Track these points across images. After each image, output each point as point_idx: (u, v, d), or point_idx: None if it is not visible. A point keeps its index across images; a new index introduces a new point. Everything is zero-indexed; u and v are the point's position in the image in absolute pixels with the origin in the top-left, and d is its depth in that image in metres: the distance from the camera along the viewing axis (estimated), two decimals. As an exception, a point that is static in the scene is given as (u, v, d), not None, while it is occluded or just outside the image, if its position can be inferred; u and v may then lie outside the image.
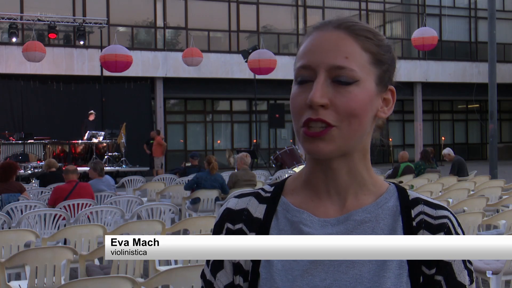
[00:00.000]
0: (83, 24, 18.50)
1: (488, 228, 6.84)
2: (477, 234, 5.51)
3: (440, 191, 8.60)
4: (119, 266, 4.17)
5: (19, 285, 4.28)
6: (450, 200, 7.45)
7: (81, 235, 4.93)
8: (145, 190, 10.43)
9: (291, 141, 22.46)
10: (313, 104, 0.98)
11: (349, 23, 1.04)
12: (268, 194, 1.11)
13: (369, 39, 1.03)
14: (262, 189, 1.13)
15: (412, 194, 1.07)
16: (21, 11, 18.63)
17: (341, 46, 1.01)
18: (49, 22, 18.06)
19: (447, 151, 11.31)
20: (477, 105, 26.02)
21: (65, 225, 5.96)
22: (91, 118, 17.32)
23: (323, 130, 0.99)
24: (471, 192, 8.07)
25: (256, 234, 1.06)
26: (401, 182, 9.99)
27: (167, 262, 5.39)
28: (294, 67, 1.05)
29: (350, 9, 23.43)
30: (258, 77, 17.68)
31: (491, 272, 4.33)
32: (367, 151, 1.07)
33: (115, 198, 7.36)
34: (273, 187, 1.12)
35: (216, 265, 1.09)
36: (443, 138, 25.79)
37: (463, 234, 1.04)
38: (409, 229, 1.03)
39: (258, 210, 1.09)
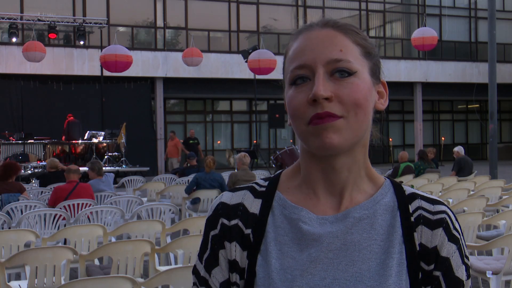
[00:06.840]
0: (83, 24, 18.48)
1: (488, 228, 6.84)
2: (477, 234, 5.52)
3: (440, 191, 8.60)
4: (119, 266, 4.17)
5: (19, 285, 4.28)
6: (450, 200, 7.46)
7: (81, 235, 4.93)
8: (145, 190, 10.42)
9: (291, 141, 22.46)
10: (318, 97, 0.97)
11: (334, 21, 1.05)
12: (263, 189, 1.09)
13: (356, 34, 1.05)
14: (256, 183, 1.11)
15: (408, 189, 1.08)
16: (21, 11, 18.62)
17: (334, 40, 1.02)
18: (49, 22, 18.04)
19: (458, 148, 11.74)
20: (477, 105, 26.01)
21: (65, 225, 5.96)
22: (72, 119, 17.09)
23: (332, 118, 0.98)
24: (471, 192, 8.07)
25: (253, 230, 1.05)
26: (401, 182, 9.98)
27: (167, 262, 5.39)
28: (286, 71, 1.05)
29: (350, 9, 23.42)
30: (258, 77, 17.67)
31: (491, 272, 4.33)
32: (367, 147, 1.07)
33: (115, 198, 7.34)
34: (267, 182, 1.10)
35: (210, 262, 1.07)
36: (443, 138, 25.77)
37: (460, 229, 1.05)
38: (408, 225, 1.03)
39: (253, 205, 1.07)
